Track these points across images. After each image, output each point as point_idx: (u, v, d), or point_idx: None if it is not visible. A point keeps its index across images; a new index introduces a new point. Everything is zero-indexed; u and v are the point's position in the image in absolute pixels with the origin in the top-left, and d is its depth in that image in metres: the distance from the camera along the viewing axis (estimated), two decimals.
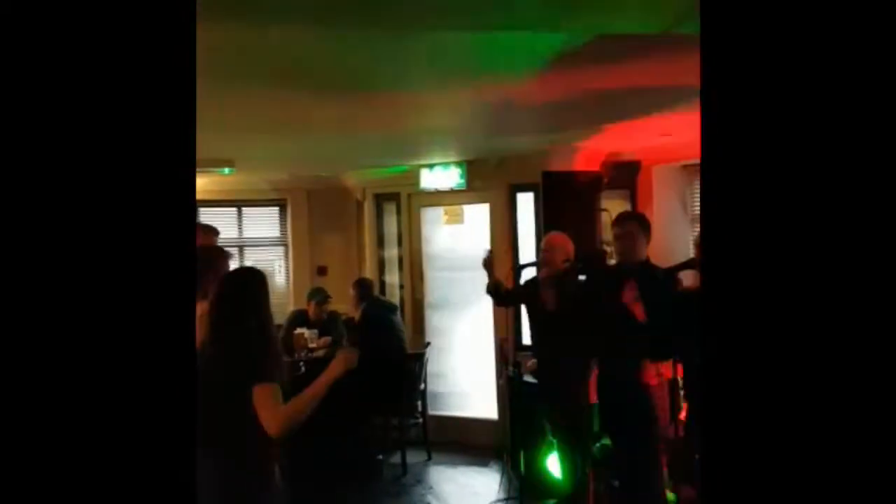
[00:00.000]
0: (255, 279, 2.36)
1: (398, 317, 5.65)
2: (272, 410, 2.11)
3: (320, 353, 5.30)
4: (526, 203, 5.51)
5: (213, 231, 3.98)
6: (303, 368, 5.22)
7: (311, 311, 5.55)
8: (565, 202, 4.84)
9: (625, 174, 5.47)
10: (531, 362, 4.42)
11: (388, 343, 5.29)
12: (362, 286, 5.48)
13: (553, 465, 4.14)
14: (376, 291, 5.92)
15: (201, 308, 2.36)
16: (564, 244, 3.90)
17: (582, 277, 3.81)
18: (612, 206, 4.99)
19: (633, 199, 5.53)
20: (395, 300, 6.03)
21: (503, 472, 4.81)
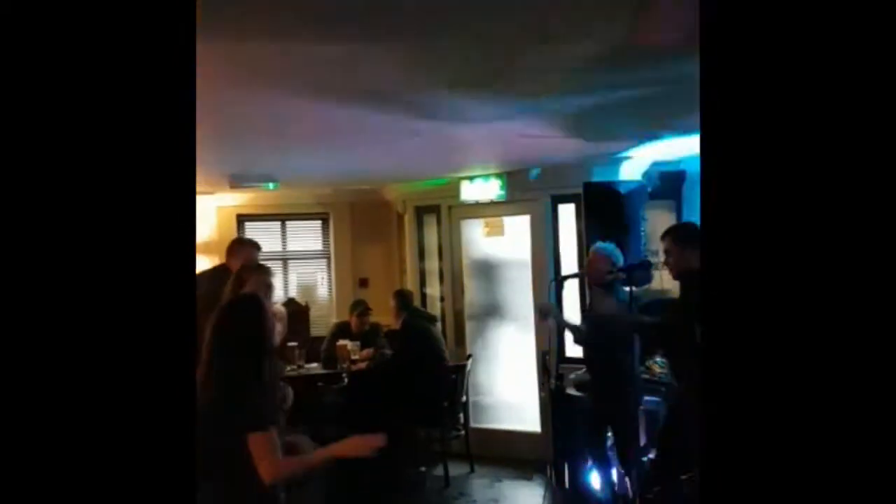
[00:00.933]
0: (252, 311, 2.22)
1: (437, 328, 5.66)
2: (269, 461, 2.05)
3: (362, 364, 5.34)
4: (567, 214, 5.47)
5: (254, 246, 4.03)
6: (346, 380, 5.27)
7: (353, 323, 5.61)
8: (608, 213, 4.79)
9: (669, 184, 5.38)
10: (574, 375, 4.38)
11: (428, 354, 5.29)
12: (402, 297, 5.51)
13: (599, 479, 4.08)
14: (417, 303, 5.94)
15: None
16: (610, 255, 3.87)
17: (627, 289, 3.76)
18: (657, 217, 4.92)
19: (678, 209, 5.44)
20: (436, 312, 6.04)
21: (547, 486, 4.75)
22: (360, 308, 5.64)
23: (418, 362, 5.19)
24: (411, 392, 5.07)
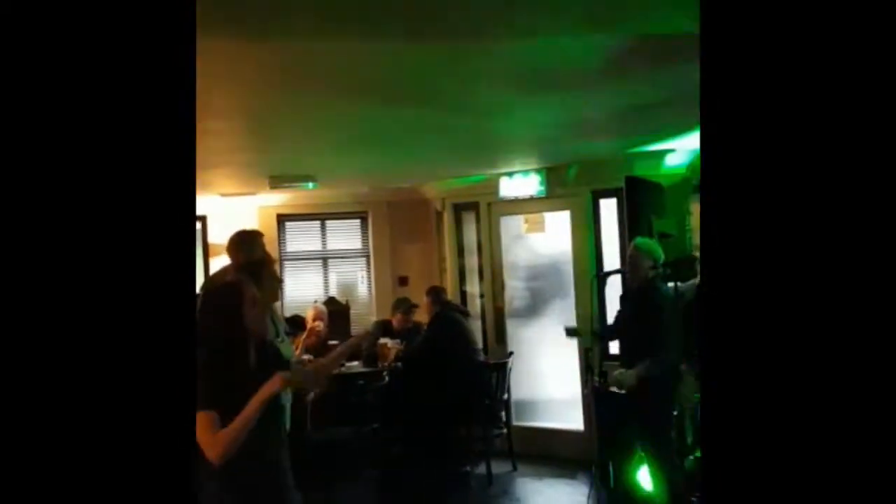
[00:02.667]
0: (205, 302, 2.28)
1: (469, 321, 5.64)
2: (206, 439, 2.12)
3: (398, 364, 5.34)
4: (609, 209, 5.39)
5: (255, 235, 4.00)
6: (387, 378, 5.28)
7: (396, 321, 5.60)
8: (650, 207, 4.69)
9: None
10: (618, 372, 4.30)
11: (457, 340, 5.27)
12: (435, 293, 5.51)
13: (644, 478, 4.00)
14: (458, 301, 5.91)
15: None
16: (651, 251, 3.79)
17: (671, 284, 3.69)
18: None
19: None
20: (476, 309, 6.01)
21: (592, 485, 4.69)
22: (405, 306, 5.63)
23: (447, 346, 5.15)
24: (445, 383, 5.04)
